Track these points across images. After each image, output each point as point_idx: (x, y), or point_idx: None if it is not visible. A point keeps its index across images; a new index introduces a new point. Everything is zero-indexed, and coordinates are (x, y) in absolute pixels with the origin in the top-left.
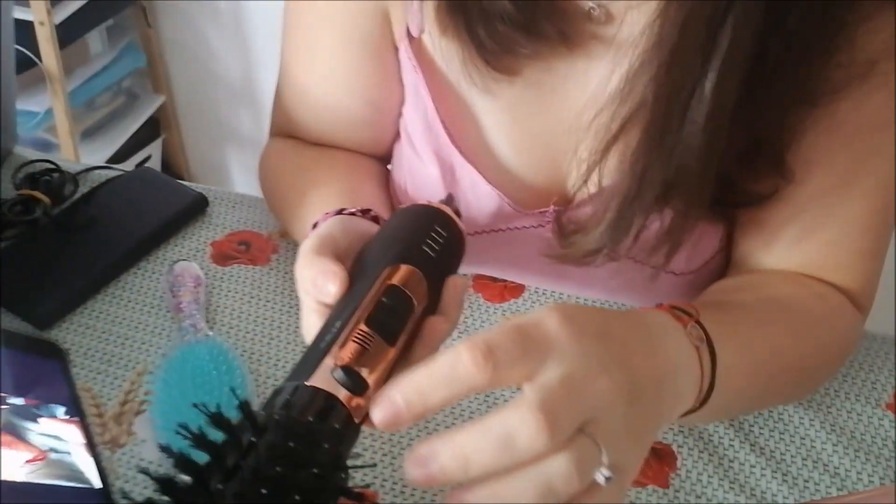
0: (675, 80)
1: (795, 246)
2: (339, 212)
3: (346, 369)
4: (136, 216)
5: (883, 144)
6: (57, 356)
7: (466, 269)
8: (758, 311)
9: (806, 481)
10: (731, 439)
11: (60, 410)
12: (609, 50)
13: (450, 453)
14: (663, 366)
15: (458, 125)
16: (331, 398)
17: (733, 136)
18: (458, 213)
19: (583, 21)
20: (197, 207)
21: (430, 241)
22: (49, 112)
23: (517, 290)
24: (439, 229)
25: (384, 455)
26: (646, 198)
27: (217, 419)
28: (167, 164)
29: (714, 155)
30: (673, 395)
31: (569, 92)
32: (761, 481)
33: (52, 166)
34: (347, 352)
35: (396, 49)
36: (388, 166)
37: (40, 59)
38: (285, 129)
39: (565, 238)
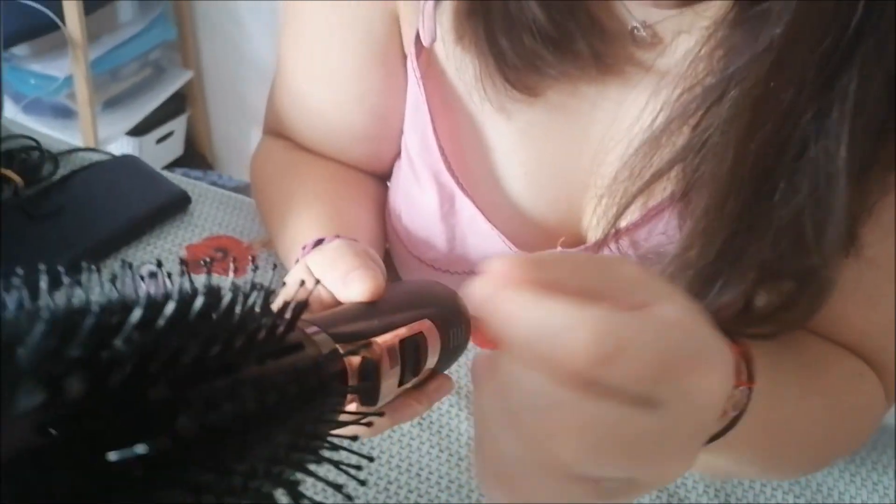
0: (773, 133)
1: (841, 318)
2: (318, 242)
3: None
4: (110, 208)
5: None
6: None
7: None
8: (802, 376)
9: None
10: None
11: None
12: (647, 77)
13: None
14: None
15: (463, 148)
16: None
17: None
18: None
19: (623, 42)
20: (177, 205)
21: (455, 331)
22: (70, 79)
23: None
24: (464, 329)
25: None
26: (703, 271)
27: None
28: (190, 142)
29: (807, 236)
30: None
31: (595, 121)
32: None
33: (33, 144)
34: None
35: (406, 56)
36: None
37: (64, 23)
38: (277, 131)
39: None
